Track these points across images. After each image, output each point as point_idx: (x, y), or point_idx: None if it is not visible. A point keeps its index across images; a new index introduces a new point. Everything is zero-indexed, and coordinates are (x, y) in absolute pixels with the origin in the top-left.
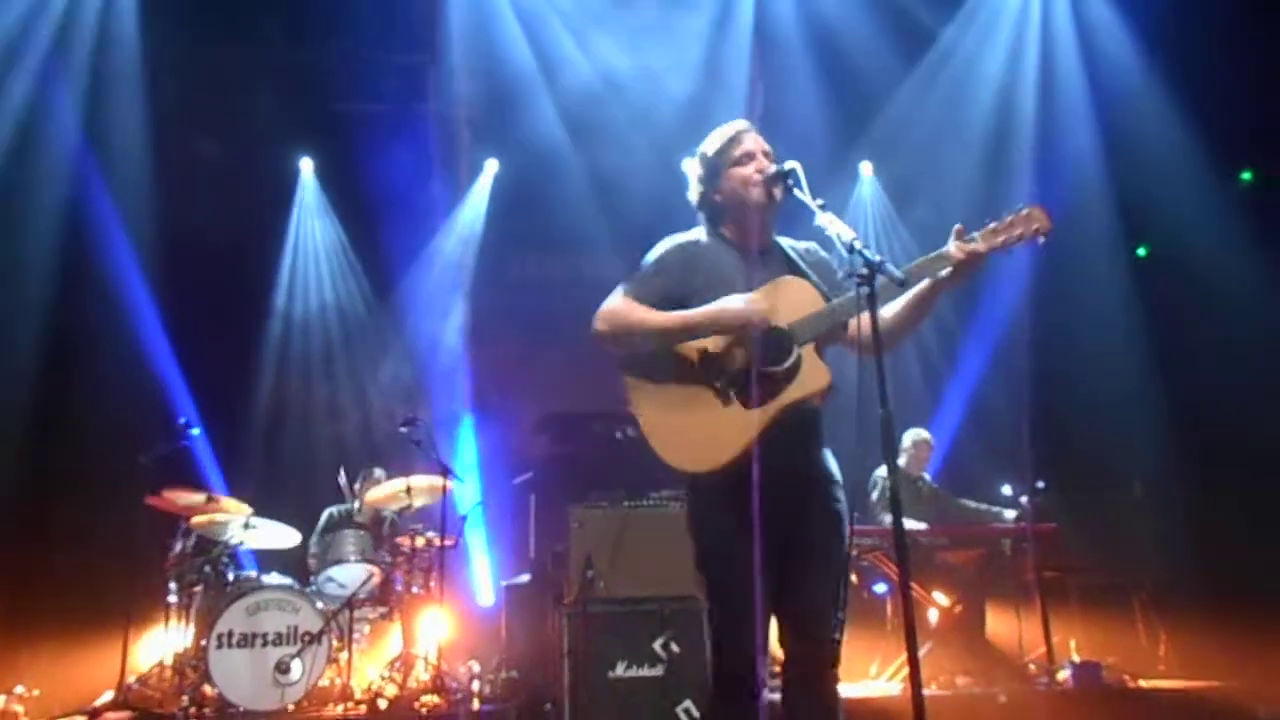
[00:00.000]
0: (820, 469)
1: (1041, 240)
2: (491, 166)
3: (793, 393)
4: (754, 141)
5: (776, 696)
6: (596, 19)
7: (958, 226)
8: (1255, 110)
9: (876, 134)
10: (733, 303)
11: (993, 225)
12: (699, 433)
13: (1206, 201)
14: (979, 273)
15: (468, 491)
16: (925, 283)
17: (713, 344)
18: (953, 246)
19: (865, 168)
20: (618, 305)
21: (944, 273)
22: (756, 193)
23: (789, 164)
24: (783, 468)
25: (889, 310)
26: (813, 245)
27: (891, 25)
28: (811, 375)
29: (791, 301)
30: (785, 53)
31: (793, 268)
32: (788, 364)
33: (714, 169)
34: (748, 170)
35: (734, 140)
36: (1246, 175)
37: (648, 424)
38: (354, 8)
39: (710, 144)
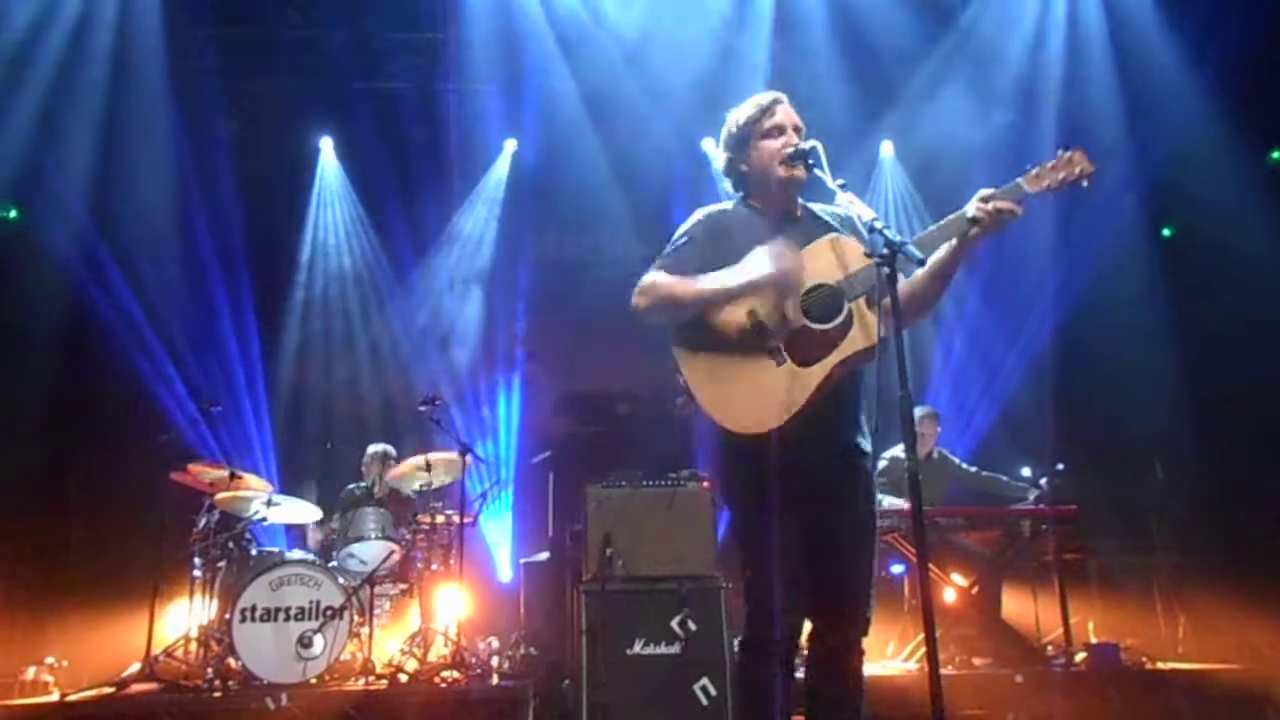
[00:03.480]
0: (860, 444)
1: (1085, 184)
2: (510, 145)
3: (845, 349)
4: (786, 115)
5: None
6: None
7: (983, 191)
8: None
9: (898, 113)
10: (763, 263)
11: (1035, 170)
12: (754, 396)
13: (1234, 181)
14: (1001, 233)
15: (487, 470)
16: (943, 250)
17: (760, 305)
18: (972, 208)
19: (886, 147)
20: (654, 278)
21: (972, 231)
22: (781, 169)
23: (809, 142)
24: (827, 436)
25: (910, 283)
26: (838, 209)
27: (913, 1)
28: (864, 331)
29: (836, 258)
30: (805, 29)
31: (826, 228)
32: (839, 320)
33: (743, 138)
34: (776, 144)
35: (767, 111)
36: (1275, 154)
37: (701, 391)
38: None
39: (741, 113)
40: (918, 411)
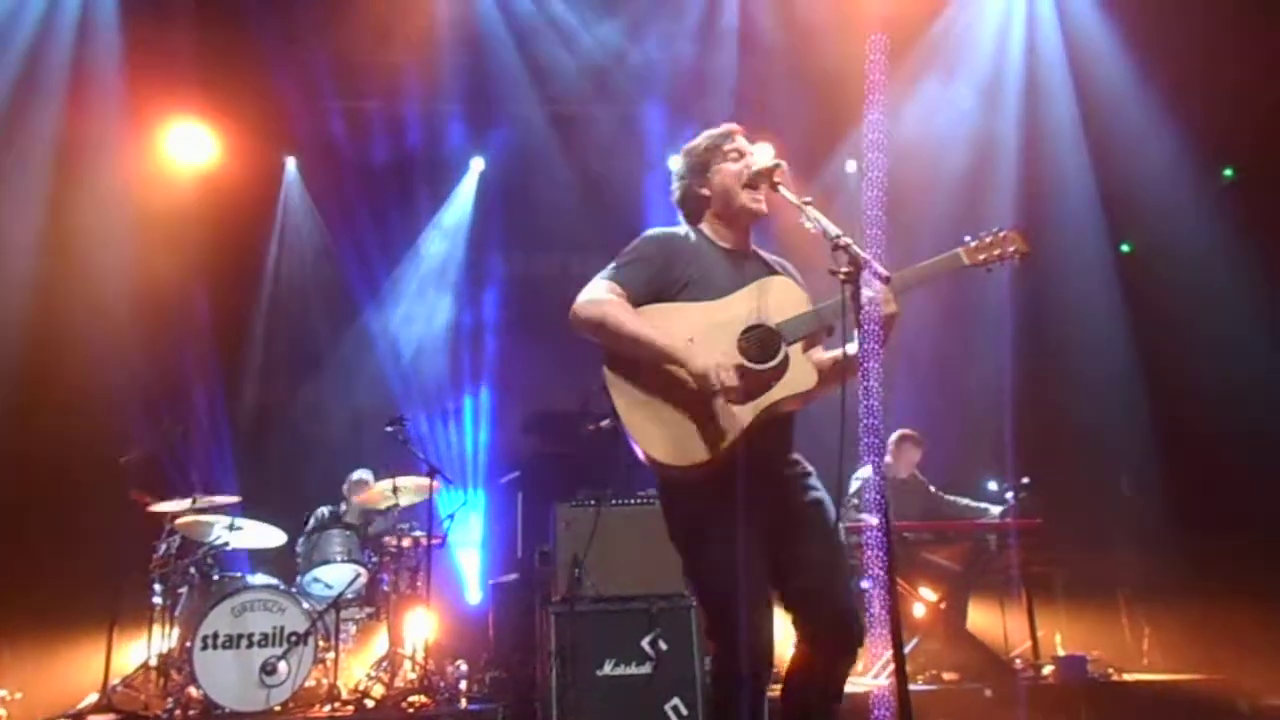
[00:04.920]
0: (797, 467)
1: (1017, 262)
2: (477, 164)
3: (778, 391)
4: (744, 143)
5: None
6: (583, 18)
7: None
8: (1238, 107)
9: (861, 132)
10: (701, 359)
11: (974, 243)
12: (682, 427)
13: (1190, 198)
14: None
15: (455, 491)
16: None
17: (699, 340)
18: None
19: (849, 166)
20: (599, 295)
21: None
22: (745, 195)
23: (773, 160)
24: (764, 464)
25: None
26: (788, 264)
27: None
28: (799, 375)
29: (779, 300)
30: (769, 51)
31: (771, 271)
32: (775, 362)
33: (703, 164)
34: (738, 166)
35: (727, 137)
36: (1229, 172)
37: (628, 415)
38: (340, 5)
39: (701, 141)
40: (896, 434)
